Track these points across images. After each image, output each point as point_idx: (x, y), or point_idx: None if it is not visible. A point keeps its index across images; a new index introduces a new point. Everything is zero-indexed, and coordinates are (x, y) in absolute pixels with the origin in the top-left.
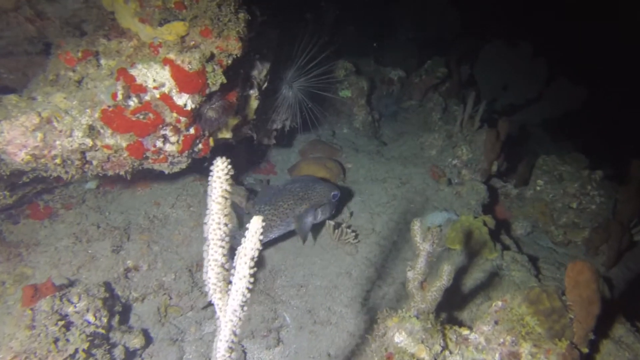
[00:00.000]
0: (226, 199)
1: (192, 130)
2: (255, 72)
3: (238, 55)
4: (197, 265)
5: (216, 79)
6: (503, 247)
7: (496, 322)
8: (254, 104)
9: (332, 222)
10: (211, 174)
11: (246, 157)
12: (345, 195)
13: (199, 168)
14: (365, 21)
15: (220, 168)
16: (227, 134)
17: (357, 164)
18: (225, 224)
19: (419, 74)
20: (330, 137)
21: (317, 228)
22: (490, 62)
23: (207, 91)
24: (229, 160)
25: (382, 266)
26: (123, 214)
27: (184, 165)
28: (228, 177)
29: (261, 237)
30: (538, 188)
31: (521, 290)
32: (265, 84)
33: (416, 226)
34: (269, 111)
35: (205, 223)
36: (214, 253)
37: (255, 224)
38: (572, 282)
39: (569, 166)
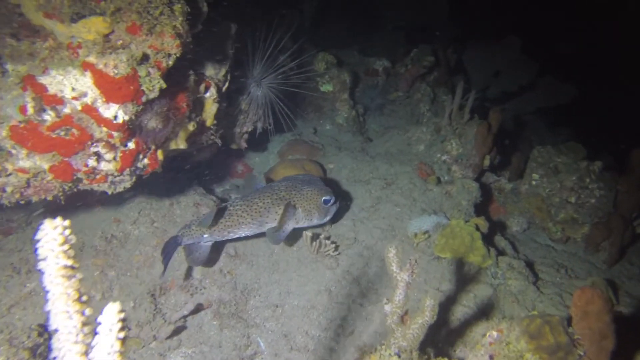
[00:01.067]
0: (70, 277)
1: (131, 145)
2: (210, 72)
3: (177, 55)
4: (160, 289)
5: (153, 84)
6: (498, 252)
7: (491, 357)
8: (213, 108)
9: (309, 234)
10: (39, 244)
11: (218, 163)
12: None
13: (165, 177)
14: (349, 9)
15: (52, 237)
16: (180, 144)
17: (340, 163)
18: (79, 312)
19: (405, 64)
20: (311, 135)
21: (297, 234)
22: (480, 51)
23: (144, 99)
24: (64, 223)
25: (365, 281)
26: (76, 235)
27: (128, 184)
28: (66, 247)
29: (120, 336)
30: (533, 182)
31: (519, 307)
32: (226, 85)
33: (391, 253)
34: (235, 113)
35: (48, 311)
36: (67, 353)
37: (110, 316)
38: (580, 312)
39: (565, 157)
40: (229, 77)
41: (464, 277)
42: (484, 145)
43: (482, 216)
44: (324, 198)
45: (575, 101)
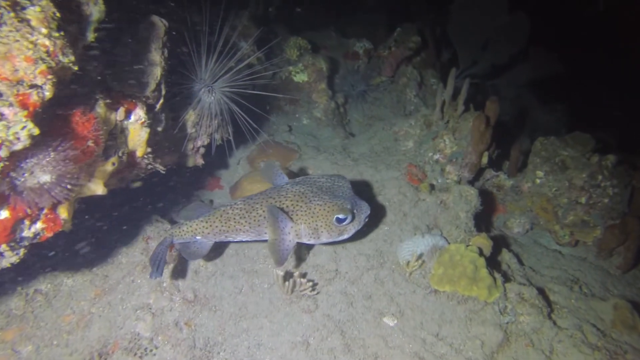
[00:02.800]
0: None
1: (4, 214)
2: (133, 89)
3: (50, 84)
4: (99, 356)
5: (15, 130)
6: (504, 278)
7: None
8: (142, 133)
9: (280, 272)
10: None
11: (180, 177)
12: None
13: (107, 206)
14: None
15: None
16: (97, 190)
17: (318, 169)
18: None
19: (388, 46)
20: (286, 134)
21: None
22: (466, 17)
23: (3, 153)
24: None
25: (349, 328)
26: None
27: (15, 259)
28: None
29: None
30: (538, 181)
31: (535, 353)
32: (161, 100)
33: None
34: (183, 127)
35: None
36: None
37: None
38: None
39: (572, 150)
40: (163, 90)
41: (467, 316)
42: (482, 142)
43: (483, 232)
44: (336, 216)
45: (567, 74)
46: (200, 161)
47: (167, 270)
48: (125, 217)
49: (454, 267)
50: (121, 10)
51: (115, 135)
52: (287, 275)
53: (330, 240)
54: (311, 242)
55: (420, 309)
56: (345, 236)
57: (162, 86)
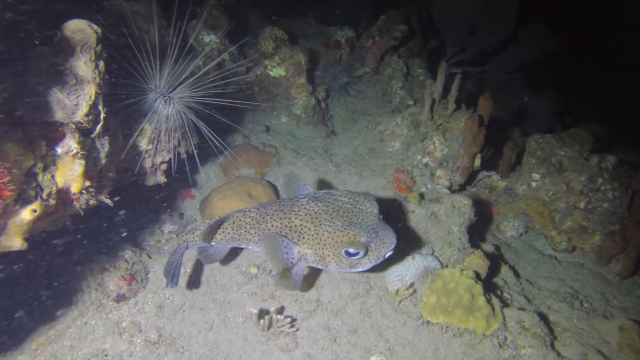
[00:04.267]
0: None
1: None
2: (55, 116)
3: None
4: None
5: None
6: (502, 300)
7: None
8: (75, 168)
9: (254, 310)
10: None
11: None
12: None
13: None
14: None
15: None
16: (11, 244)
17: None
18: None
19: (372, 35)
20: (263, 134)
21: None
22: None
23: None
24: None
25: None
26: None
27: None
28: None
29: None
30: (533, 184)
31: None
32: (100, 123)
33: None
34: (137, 144)
35: None
36: None
37: None
38: None
39: (569, 149)
40: (102, 111)
41: (463, 352)
42: (475, 144)
43: (478, 250)
44: (345, 250)
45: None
46: (162, 179)
47: (127, 306)
48: (76, 245)
49: (448, 296)
50: (33, 18)
51: (36, 174)
52: (262, 313)
53: (341, 271)
54: (320, 267)
55: (411, 344)
56: (360, 269)
57: (100, 106)
